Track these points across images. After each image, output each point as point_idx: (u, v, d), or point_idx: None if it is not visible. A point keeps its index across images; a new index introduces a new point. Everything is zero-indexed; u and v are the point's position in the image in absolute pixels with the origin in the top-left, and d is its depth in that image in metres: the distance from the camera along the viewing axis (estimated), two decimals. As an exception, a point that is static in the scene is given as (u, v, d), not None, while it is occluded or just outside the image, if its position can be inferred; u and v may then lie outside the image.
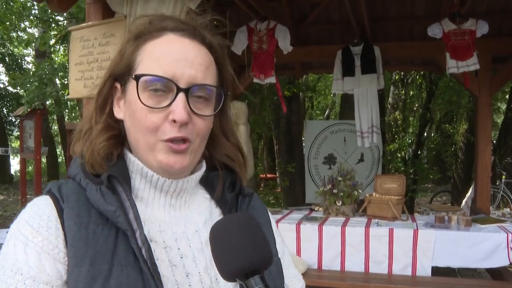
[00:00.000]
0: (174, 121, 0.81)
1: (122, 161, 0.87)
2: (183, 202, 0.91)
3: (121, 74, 0.87)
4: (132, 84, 0.84)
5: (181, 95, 0.81)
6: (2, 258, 0.77)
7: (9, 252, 0.76)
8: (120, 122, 0.89)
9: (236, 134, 1.00)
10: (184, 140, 0.83)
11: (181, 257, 0.84)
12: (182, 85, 0.82)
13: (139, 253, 0.76)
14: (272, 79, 4.89)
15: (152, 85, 0.81)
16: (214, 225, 0.73)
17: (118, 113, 0.89)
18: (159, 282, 0.75)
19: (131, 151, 0.88)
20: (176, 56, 0.83)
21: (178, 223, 0.88)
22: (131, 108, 0.84)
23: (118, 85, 0.88)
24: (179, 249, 0.85)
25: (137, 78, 0.82)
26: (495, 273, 4.26)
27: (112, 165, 0.83)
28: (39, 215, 0.79)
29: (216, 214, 0.95)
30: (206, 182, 0.96)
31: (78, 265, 0.74)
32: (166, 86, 0.82)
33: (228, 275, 0.69)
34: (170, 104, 0.81)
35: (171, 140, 0.82)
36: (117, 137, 0.88)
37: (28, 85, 7.69)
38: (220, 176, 0.96)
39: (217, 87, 0.88)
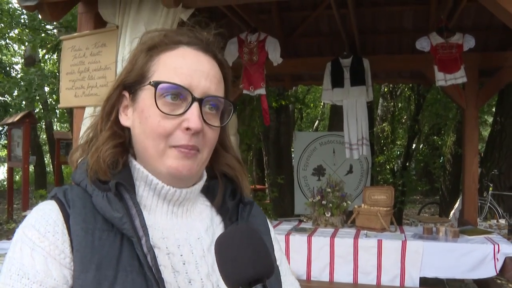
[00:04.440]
0: (187, 129, 0.82)
1: (127, 168, 0.88)
2: (185, 210, 0.92)
3: (132, 83, 0.89)
4: (145, 92, 0.86)
5: (196, 105, 0.83)
6: (8, 262, 0.77)
7: (16, 256, 0.77)
8: (125, 130, 0.90)
9: (233, 148, 1.02)
10: (194, 148, 0.85)
11: (184, 263, 0.85)
12: (197, 95, 0.84)
13: (144, 260, 0.77)
14: (262, 91, 4.88)
15: (168, 92, 0.83)
16: (219, 237, 0.75)
17: (125, 121, 0.90)
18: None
19: (135, 159, 0.90)
20: (193, 67, 0.85)
21: (180, 230, 0.89)
22: (143, 114, 0.85)
23: (126, 94, 0.90)
24: (181, 255, 0.86)
25: (156, 84, 0.83)
26: (482, 284, 4.29)
27: (117, 172, 0.85)
28: (46, 220, 0.79)
29: (217, 222, 0.96)
30: (206, 190, 0.98)
31: (84, 271, 0.75)
32: (181, 95, 0.84)
33: (232, 284, 0.70)
34: (184, 112, 0.83)
35: (181, 147, 0.83)
36: (123, 145, 0.90)
37: (16, 91, 7.65)
38: (220, 185, 0.97)
39: (229, 100, 0.91)
